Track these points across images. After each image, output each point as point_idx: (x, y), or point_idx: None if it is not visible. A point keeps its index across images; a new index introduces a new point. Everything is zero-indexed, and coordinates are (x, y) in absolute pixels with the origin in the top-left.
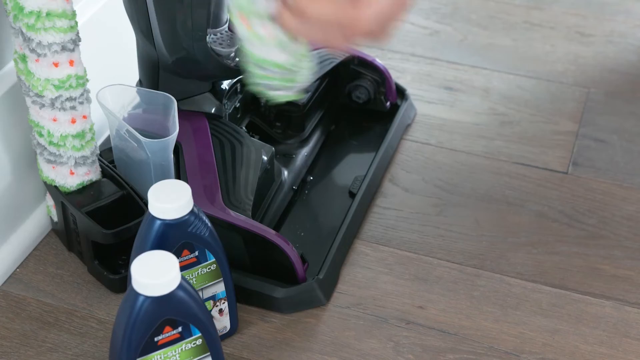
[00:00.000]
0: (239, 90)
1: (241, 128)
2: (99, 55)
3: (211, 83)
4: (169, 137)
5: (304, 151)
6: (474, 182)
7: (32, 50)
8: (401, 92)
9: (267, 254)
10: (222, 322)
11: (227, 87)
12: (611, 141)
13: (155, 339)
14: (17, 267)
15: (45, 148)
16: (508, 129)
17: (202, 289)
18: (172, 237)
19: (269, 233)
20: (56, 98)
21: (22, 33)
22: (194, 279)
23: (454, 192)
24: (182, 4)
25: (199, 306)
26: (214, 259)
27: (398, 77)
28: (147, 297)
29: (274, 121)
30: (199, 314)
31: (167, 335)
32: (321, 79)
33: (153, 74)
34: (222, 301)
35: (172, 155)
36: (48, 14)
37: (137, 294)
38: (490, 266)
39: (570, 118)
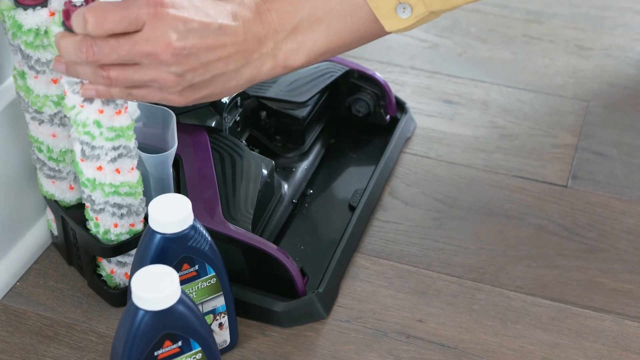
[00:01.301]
0: (239, 104)
1: (241, 142)
2: None
3: None
4: (168, 151)
5: (304, 164)
6: (474, 196)
7: (31, 67)
8: (401, 106)
9: (267, 268)
10: (222, 336)
11: (227, 101)
12: (610, 154)
13: (155, 354)
14: (17, 281)
15: (45, 163)
16: (507, 142)
17: (202, 303)
18: (172, 251)
19: (269, 247)
20: (55, 114)
21: (21, 50)
22: (194, 293)
23: (454, 206)
24: None
25: (199, 320)
26: (213, 273)
27: (398, 90)
28: (147, 312)
29: (274, 135)
30: (199, 328)
31: (167, 349)
32: (321, 92)
33: None
34: (222, 315)
35: (172, 170)
36: (47, 32)
37: (137, 308)
38: (489, 279)
39: (569, 131)
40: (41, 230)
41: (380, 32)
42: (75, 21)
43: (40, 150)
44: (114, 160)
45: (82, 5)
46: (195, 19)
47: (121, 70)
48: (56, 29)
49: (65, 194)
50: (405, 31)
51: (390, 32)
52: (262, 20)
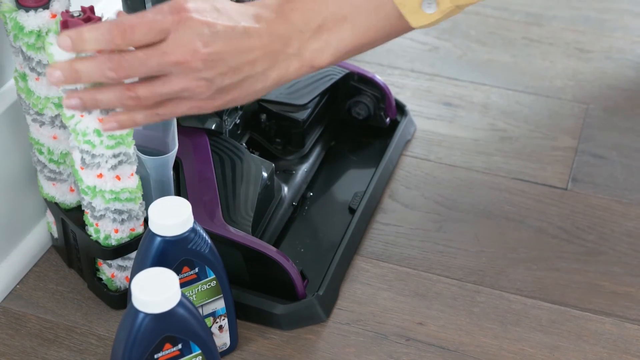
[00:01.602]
0: (239, 106)
1: (241, 144)
2: None
3: None
4: (169, 154)
5: (304, 167)
6: (474, 198)
7: (32, 69)
8: (401, 108)
9: (267, 271)
10: (222, 339)
11: None
12: (610, 157)
13: (155, 356)
14: (17, 284)
15: (46, 165)
16: (507, 144)
17: (202, 306)
18: (172, 253)
19: (269, 249)
20: (56, 116)
21: (22, 52)
22: (194, 296)
23: (454, 208)
24: None
25: (199, 323)
26: (214, 276)
27: (398, 93)
28: (147, 314)
29: (274, 137)
30: (199, 330)
31: (167, 352)
32: (321, 95)
33: None
34: (222, 318)
35: (172, 172)
36: (48, 33)
37: (137, 311)
38: (489, 282)
39: (569, 134)
40: (41, 232)
41: (406, 28)
42: (98, 36)
43: (41, 153)
44: (114, 167)
45: (79, 16)
46: (219, 22)
47: (149, 86)
48: (54, 38)
49: (66, 196)
50: (431, 26)
51: (416, 28)
52: (286, 21)
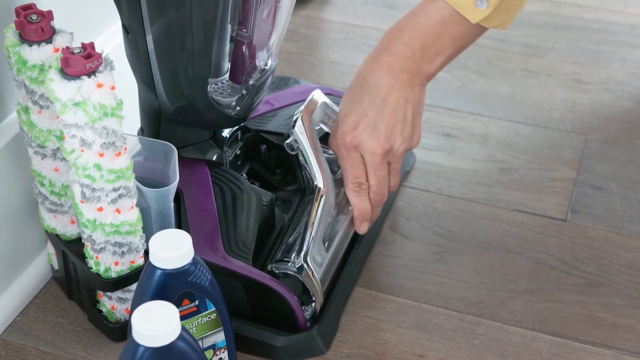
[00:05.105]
0: (239, 137)
1: (241, 175)
2: None
3: (212, 131)
4: (170, 186)
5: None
6: (473, 229)
7: (35, 102)
8: None
9: (267, 302)
10: None
11: (228, 135)
12: (609, 188)
13: None
14: (17, 316)
15: (47, 197)
16: (506, 176)
17: (202, 338)
18: (172, 286)
19: (270, 281)
20: (58, 149)
21: (25, 85)
22: (194, 329)
23: (453, 240)
24: (183, 54)
25: (199, 356)
26: (214, 308)
27: None
28: (147, 348)
29: (274, 168)
30: None
31: None
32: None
33: (154, 122)
34: (222, 350)
35: (173, 204)
36: (51, 67)
37: (137, 345)
38: (489, 314)
39: (568, 165)
40: (42, 264)
41: (473, 30)
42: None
43: (43, 185)
44: (114, 201)
45: (80, 52)
46: (376, 122)
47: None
48: (54, 74)
49: (67, 228)
50: (491, 24)
51: (478, 24)
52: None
